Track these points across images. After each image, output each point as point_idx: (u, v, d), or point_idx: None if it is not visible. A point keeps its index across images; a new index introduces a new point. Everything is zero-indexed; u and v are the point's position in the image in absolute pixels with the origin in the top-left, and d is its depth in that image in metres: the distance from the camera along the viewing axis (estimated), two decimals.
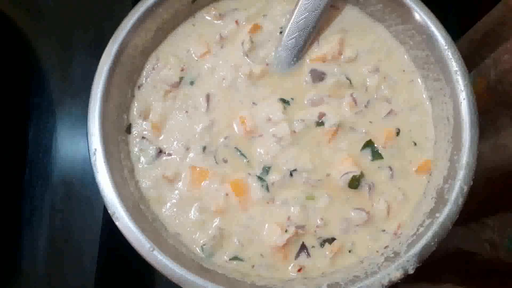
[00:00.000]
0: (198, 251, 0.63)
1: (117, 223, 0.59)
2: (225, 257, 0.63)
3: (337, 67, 0.68)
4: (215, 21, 0.70)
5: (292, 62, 0.68)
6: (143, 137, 0.66)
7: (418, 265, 0.58)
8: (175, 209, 0.64)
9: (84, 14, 0.86)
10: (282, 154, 0.65)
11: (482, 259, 0.78)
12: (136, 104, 0.67)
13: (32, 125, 0.83)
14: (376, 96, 0.67)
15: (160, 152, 0.65)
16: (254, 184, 0.64)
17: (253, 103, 0.67)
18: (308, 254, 0.63)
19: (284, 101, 0.66)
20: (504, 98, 0.71)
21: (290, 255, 0.63)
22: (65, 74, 0.84)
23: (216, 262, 0.63)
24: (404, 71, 0.69)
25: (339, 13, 0.70)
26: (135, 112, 0.67)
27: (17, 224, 0.80)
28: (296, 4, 0.66)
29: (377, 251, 0.63)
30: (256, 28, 0.68)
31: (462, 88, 0.62)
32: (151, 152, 0.65)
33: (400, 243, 0.61)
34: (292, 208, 0.63)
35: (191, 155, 0.65)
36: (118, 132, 0.64)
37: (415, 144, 0.66)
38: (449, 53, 0.63)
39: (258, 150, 0.65)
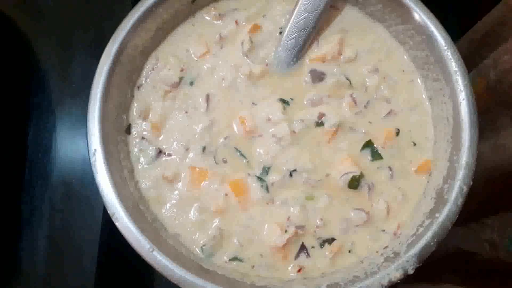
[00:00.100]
0: (198, 251, 0.63)
1: (116, 223, 0.59)
2: (225, 257, 0.63)
3: (337, 67, 0.68)
4: (215, 21, 0.70)
5: (292, 62, 0.68)
6: (142, 138, 0.66)
7: (417, 265, 0.58)
8: (174, 210, 0.64)
9: (84, 14, 0.86)
10: (282, 154, 0.65)
11: (482, 259, 0.78)
12: (135, 104, 0.67)
13: (32, 125, 0.83)
14: (375, 96, 0.67)
15: (159, 152, 0.65)
16: (253, 184, 0.64)
17: (253, 103, 0.67)
18: (308, 255, 0.63)
19: (283, 101, 0.66)
20: (504, 98, 0.71)
21: (289, 256, 0.63)
22: (65, 74, 0.84)
23: (215, 262, 0.63)
24: (403, 71, 0.69)
25: (339, 13, 0.70)
26: (134, 113, 0.67)
27: (17, 224, 0.80)
28: (296, 4, 0.66)
29: (376, 251, 0.63)
30: (255, 28, 0.68)
31: (462, 88, 0.62)
32: (150, 152, 0.65)
33: (400, 243, 0.61)
34: (292, 208, 0.64)
35: (190, 155, 0.65)
36: (117, 132, 0.64)
37: (415, 144, 0.66)
38: (449, 53, 0.63)
39: (258, 150, 0.65)
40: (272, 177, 0.64)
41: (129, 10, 0.65)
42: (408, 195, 0.65)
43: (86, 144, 0.61)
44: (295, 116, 0.66)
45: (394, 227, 0.64)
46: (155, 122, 0.66)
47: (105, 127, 0.62)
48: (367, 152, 0.66)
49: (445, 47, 0.63)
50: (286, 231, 0.62)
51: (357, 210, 0.64)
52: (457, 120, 0.62)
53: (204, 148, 0.65)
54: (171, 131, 0.66)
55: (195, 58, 0.69)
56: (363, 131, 0.66)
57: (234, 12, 0.70)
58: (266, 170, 0.64)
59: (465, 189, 0.59)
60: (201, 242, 0.63)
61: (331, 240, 0.63)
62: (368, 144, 0.66)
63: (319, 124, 0.66)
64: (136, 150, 0.66)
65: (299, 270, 0.62)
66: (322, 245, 0.63)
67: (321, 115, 0.66)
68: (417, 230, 0.60)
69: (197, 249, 0.63)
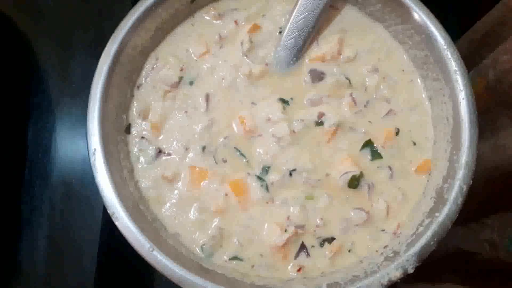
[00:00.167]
0: (198, 251, 0.63)
1: (116, 223, 0.59)
2: (224, 257, 0.63)
3: (337, 67, 0.68)
4: (215, 21, 0.70)
5: (292, 62, 0.68)
6: (142, 137, 0.66)
7: (417, 265, 0.58)
8: (174, 209, 0.64)
9: (84, 14, 0.86)
10: (282, 154, 0.65)
11: (482, 259, 0.78)
12: (135, 104, 0.67)
13: (32, 125, 0.83)
14: (375, 96, 0.67)
15: (159, 152, 0.65)
16: (253, 184, 0.64)
17: (253, 103, 0.67)
18: (308, 254, 0.63)
19: (283, 101, 0.66)
20: (503, 98, 0.71)
21: (289, 255, 0.63)
22: (64, 74, 0.84)
23: (215, 262, 0.63)
24: (403, 71, 0.69)
25: (338, 13, 0.70)
26: (134, 112, 0.67)
27: (17, 224, 0.80)
28: (295, 4, 0.66)
29: (376, 251, 0.63)
30: (255, 28, 0.69)
31: (462, 88, 0.62)
32: (150, 152, 0.65)
33: (399, 242, 0.61)
34: (292, 208, 0.64)
35: (190, 155, 0.65)
36: (117, 132, 0.65)
37: (415, 144, 0.66)
38: (448, 53, 0.63)
39: (258, 150, 0.65)
40: (272, 177, 0.64)
41: (129, 10, 0.65)
42: (408, 195, 0.65)
43: (86, 144, 0.61)
44: (295, 116, 0.66)
45: (394, 226, 0.64)
46: (155, 122, 0.66)
47: (105, 127, 0.62)
48: (367, 152, 0.66)
49: (445, 47, 0.63)
50: (286, 231, 0.62)
51: (357, 209, 0.64)
52: (457, 119, 0.62)
53: (204, 148, 0.65)
54: (171, 131, 0.66)
55: (195, 58, 0.69)
56: (363, 130, 0.66)
57: (233, 12, 0.70)
58: (266, 169, 0.65)
59: (465, 188, 0.59)
60: (201, 241, 0.63)
61: (331, 240, 0.63)
62: (368, 144, 0.66)
63: (319, 123, 0.66)
64: (136, 149, 0.66)
65: (299, 270, 0.62)
66: (322, 244, 0.63)
67: (321, 115, 0.66)
68: (417, 229, 0.60)
69: (197, 248, 0.63)
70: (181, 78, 0.67)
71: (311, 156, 0.65)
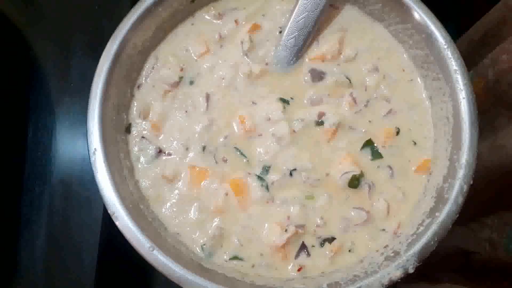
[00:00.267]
0: (198, 250, 0.63)
1: (116, 222, 0.58)
2: (224, 256, 0.63)
3: (337, 66, 0.68)
4: (214, 21, 0.70)
5: (292, 62, 0.68)
6: (142, 137, 0.66)
7: (418, 264, 0.58)
8: (174, 209, 0.64)
9: (84, 13, 0.86)
10: (282, 153, 0.65)
11: (481, 259, 0.78)
12: (135, 104, 0.67)
13: (32, 124, 0.83)
14: (375, 95, 0.67)
15: (159, 151, 0.65)
16: (253, 183, 0.64)
17: (253, 102, 0.67)
18: (308, 254, 0.63)
19: (283, 101, 0.66)
20: (502, 98, 0.71)
21: (290, 255, 0.63)
22: (64, 73, 0.84)
23: (215, 261, 0.63)
24: (403, 70, 0.69)
25: (339, 12, 0.70)
26: (134, 112, 0.67)
27: (16, 223, 0.80)
28: (296, 4, 0.66)
29: (377, 251, 0.63)
30: (255, 27, 0.68)
31: (462, 87, 0.62)
32: (150, 151, 0.65)
33: (400, 242, 0.61)
34: (292, 207, 0.64)
35: (190, 154, 0.65)
36: (117, 131, 0.64)
37: (415, 143, 0.66)
38: (449, 52, 0.63)
39: (258, 149, 0.65)
40: (272, 176, 0.64)
41: (129, 9, 0.65)
42: (408, 194, 0.65)
43: (86, 144, 0.61)
44: (295, 115, 0.66)
45: (394, 226, 0.64)
46: (155, 121, 0.66)
47: (105, 127, 0.61)
48: (367, 151, 0.66)
49: (445, 46, 0.63)
50: (286, 230, 0.62)
51: (357, 209, 0.64)
52: (457, 119, 0.62)
53: (204, 148, 0.65)
54: (171, 131, 0.66)
55: (195, 58, 0.69)
56: (363, 130, 0.66)
57: (233, 12, 0.70)
58: (266, 169, 0.64)
59: (466, 188, 0.59)
60: (201, 241, 0.63)
61: (331, 239, 0.63)
62: (368, 143, 0.66)
63: (319, 123, 0.66)
64: (136, 149, 0.66)
65: (299, 269, 0.62)
66: (322, 244, 0.63)
67: (321, 114, 0.66)
68: (417, 229, 0.60)
69: (197, 248, 0.63)
70: (181, 78, 0.67)
71: (311, 156, 0.65)
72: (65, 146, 0.82)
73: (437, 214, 0.59)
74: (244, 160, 0.65)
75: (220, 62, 0.68)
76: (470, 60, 0.72)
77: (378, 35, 0.70)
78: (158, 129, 0.66)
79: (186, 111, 0.66)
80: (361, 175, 0.64)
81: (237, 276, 0.61)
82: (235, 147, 0.65)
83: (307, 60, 0.68)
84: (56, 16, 0.86)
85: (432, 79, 0.66)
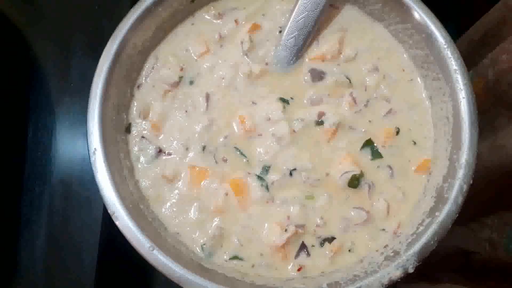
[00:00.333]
0: (198, 250, 0.63)
1: (116, 222, 0.58)
2: (224, 256, 0.63)
3: (337, 66, 0.68)
4: (214, 21, 0.70)
5: (292, 61, 0.68)
6: (142, 137, 0.66)
7: (417, 264, 0.58)
8: (174, 209, 0.64)
9: (84, 13, 0.86)
10: (282, 153, 0.65)
11: (481, 258, 0.78)
12: (135, 104, 0.67)
13: (31, 124, 0.83)
14: (375, 95, 0.67)
15: (159, 151, 0.65)
16: (253, 183, 0.64)
17: (253, 102, 0.67)
18: (308, 254, 0.63)
19: (283, 101, 0.66)
20: (502, 98, 0.71)
21: (289, 255, 0.63)
22: (64, 73, 0.84)
23: (215, 261, 0.63)
24: (403, 70, 0.69)
25: (338, 12, 0.70)
26: (134, 112, 0.67)
27: (16, 223, 0.80)
28: (296, 3, 0.66)
29: (376, 250, 0.63)
30: (255, 27, 0.68)
31: (462, 87, 0.62)
32: (150, 151, 0.65)
33: (400, 242, 0.61)
34: (292, 207, 0.64)
35: (190, 154, 0.65)
36: (117, 131, 0.64)
37: (415, 143, 0.66)
38: (449, 52, 0.63)
39: (258, 149, 0.65)
40: (272, 176, 0.64)
41: (129, 9, 0.65)
42: (408, 194, 0.65)
43: (86, 144, 0.61)
44: (295, 115, 0.66)
45: (394, 226, 0.64)
46: (155, 121, 0.66)
47: (105, 126, 0.61)
48: (367, 151, 0.66)
49: (445, 46, 0.63)
50: (286, 230, 0.62)
51: (357, 209, 0.64)
52: (457, 118, 0.62)
53: (204, 147, 0.65)
54: (171, 130, 0.66)
55: (195, 57, 0.69)
56: (363, 130, 0.66)
57: (233, 11, 0.70)
58: (266, 169, 0.64)
59: (465, 187, 0.59)
60: (201, 241, 0.63)
61: (331, 239, 0.63)
62: (368, 143, 0.66)
63: (319, 123, 0.66)
64: (136, 149, 0.66)
65: (299, 269, 0.62)
66: (322, 244, 0.63)
67: (321, 114, 0.66)
68: (417, 229, 0.60)
69: (197, 248, 0.63)
70: (181, 78, 0.67)
71: (311, 156, 0.65)
72: (65, 146, 0.82)
73: (437, 213, 0.59)
74: (244, 160, 0.65)
75: (220, 62, 0.68)
76: (470, 60, 0.72)
77: (378, 35, 0.70)
78: (158, 129, 0.66)
79: (186, 111, 0.66)
80: (361, 175, 0.64)
81: (237, 276, 0.61)
82: (235, 147, 0.65)
83: (307, 60, 0.68)
84: (56, 16, 0.86)
85: (432, 79, 0.66)
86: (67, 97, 0.83)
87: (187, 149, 0.65)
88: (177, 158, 0.65)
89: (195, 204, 0.64)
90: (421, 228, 0.60)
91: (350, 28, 0.69)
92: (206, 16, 0.70)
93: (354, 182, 0.64)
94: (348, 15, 0.70)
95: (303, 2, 0.65)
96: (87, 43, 0.84)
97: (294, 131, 0.65)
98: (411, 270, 0.58)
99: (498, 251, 0.73)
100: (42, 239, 0.79)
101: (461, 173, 0.60)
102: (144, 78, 0.68)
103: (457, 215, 0.59)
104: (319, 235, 0.63)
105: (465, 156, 0.60)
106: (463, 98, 0.62)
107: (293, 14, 0.66)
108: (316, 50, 0.68)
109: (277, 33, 0.69)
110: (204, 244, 0.63)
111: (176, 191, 0.64)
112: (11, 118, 0.83)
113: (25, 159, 0.82)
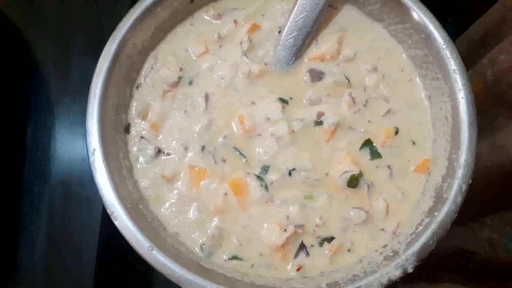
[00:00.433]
0: (197, 250, 0.63)
1: (116, 222, 0.58)
2: (224, 256, 0.63)
3: (336, 66, 0.68)
4: (214, 21, 0.70)
5: (291, 62, 0.68)
6: (141, 137, 0.66)
7: (417, 264, 0.58)
8: (174, 209, 0.64)
9: (84, 13, 0.86)
10: (281, 153, 0.65)
11: (481, 258, 0.78)
12: (134, 104, 0.67)
13: (31, 124, 0.83)
14: (374, 95, 0.67)
15: (159, 151, 0.65)
16: (253, 183, 0.64)
17: (252, 102, 0.67)
18: (307, 253, 0.63)
19: (283, 101, 0.66)
20: (501, 97, 0.71)
21: (289, 255, 0.63)
22: (63, 73, 0.84)
23: (215, 261, 0.63)
24: (402, 70, 0.69)
25: (338, 12, 0.70)
26: (133, 112, 0.67)
27: (16, 223, 0.80)
28: (295, 3, 0.66)
29: (376, 250, 0.63)
30: (254, 27, 0.69)
31: (461, 87, 0.62)
32: (149, 151, 0.65)
33: (399, 242, 0.61)
34: (291, 207, 0.64)
35: (190, 154, 0.65)
36: (116, 131, 0.64)
37: (414, 143, 0.66)
38: (448, 52, 0.63)
39: (257, 149, 0.65)
40: (271, 176, 0.64)
41: (129, 9, 0.65)
42: (407, 194, 0.65)
43: (85, 144, 0.61)
44: (294, 115, 0.66)
45: (393, 226, 0.64)
46: (154, 121, 0.66)
47: (104, 127, 0.62)
48: (366, 151, 0.66)
49: (444, 46, 0.63)
50: (285, 230, 0.62)
51: (357, 209, 0.64)
52: (456, 118, 0.62)
53: (203, 147, 0.65)
54: (170, 131, 0.66)
55: (194, 58, 0.69)
56: (362, 130, 0.66)
57: (233, 12, 0.70)
58: (266, 169, 0.65)
59: (465, 187, 0.59)
60: (201, 241, 0.63)
61: (330, 239, 0.63)
62: (367, 143, 0.66)
63: (318, 123, 0.66)
64: (135, 149, 0.66)
65: (298, 269, 0.62)
66: (321, 244, 0.63)
67: (320, 114, 0.66)
68: (417, 228, 0.60)
69: (196, 248, 0.63)
70: (180, 78, 0.67)
71: (310, 156, 0.65)
72: (65, 146, 0.83)
73: (436, 213, 0.59)
74: (244, 160, 0.65)
75: (220, 62, 0.68)
76: (469, 60, 0.72)
77: (377, 35, 0.70)
78: (157, 129, 0.66)
79: (185, 111, 0.67)
80: (360, 175, 0.64)
81: (236, 276, 0.61)
82: (234, 147, 0.65)
83: (306, 60, 0.68)
84: (56, 16, 0.86)
85: (431, 79, 0.66)
86: (67, 97, 0.84)
87: (186, 149, 0.65)
88: (176, 158, 0.65)
89: (194, 204, 0.64)
90: (420, 228, 0.60)
91: (349, 28, 0.69)
92: (206, 17, 0.70)
93: (354, 182, 0.64)
94: (347, 15, 0.70)
95: (302, 2, 0.65)
96: (87, 43, 0.85)
97: (293, 131, 0.65)
98: (410, 270, 0.58)
99: (498, 251, 0.73)
100: (42, 239, 0.79)
101: (460, 173, 0.60)
102: (143, 78, 0.68)
103: (456, 215, 0.59)
104: (318, 235, 0.63)
105: (464, 156, 0.60)
106: (462, 98, 0.62)
107: (292, 14, 0.66)
108: (316, 50, 0.68)
109: (277, 33, 0.69)
110: (203, 244, 0.63)
111: (175, 191, 0.64)
112: (11, 118, 0.83)
113: (24, 159, 0.82)
